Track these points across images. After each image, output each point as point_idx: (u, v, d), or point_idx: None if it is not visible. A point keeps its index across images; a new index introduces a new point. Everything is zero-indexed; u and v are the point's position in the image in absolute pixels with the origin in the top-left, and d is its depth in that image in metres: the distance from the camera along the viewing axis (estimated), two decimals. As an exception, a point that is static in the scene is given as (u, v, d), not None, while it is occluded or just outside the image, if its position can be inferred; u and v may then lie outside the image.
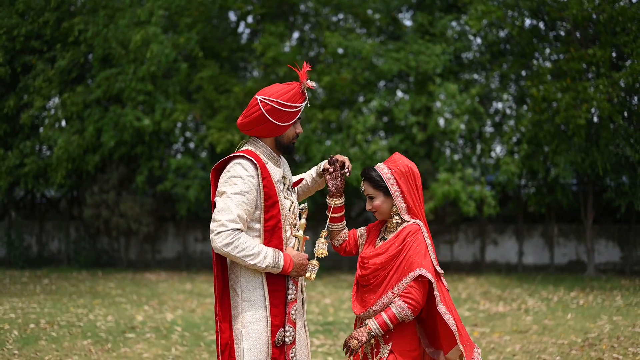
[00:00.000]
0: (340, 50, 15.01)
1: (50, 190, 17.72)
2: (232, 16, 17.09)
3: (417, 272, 3.60)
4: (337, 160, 3.79)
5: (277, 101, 3.53)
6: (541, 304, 10.65)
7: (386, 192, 3.73)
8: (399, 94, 15.84)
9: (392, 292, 3.64)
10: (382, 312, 3.60)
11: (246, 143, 3.69)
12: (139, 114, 14.74)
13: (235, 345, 3.50)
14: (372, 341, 3.67)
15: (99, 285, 13.14)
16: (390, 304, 3.62)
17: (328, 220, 3.87)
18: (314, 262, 3.67)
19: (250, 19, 16.74)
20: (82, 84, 15.55)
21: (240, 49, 16.63)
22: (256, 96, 3.58)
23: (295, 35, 16.92)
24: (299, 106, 3.60)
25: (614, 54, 13.89)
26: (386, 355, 3.63)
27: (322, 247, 3.75)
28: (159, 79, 15.25)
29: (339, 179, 3.79)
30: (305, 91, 3.65)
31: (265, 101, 3.53)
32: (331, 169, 3.77)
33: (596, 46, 13.37)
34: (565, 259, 16.01)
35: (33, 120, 15.87)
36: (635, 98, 13.84)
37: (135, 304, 10.97)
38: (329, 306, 10.93)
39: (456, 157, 15.26)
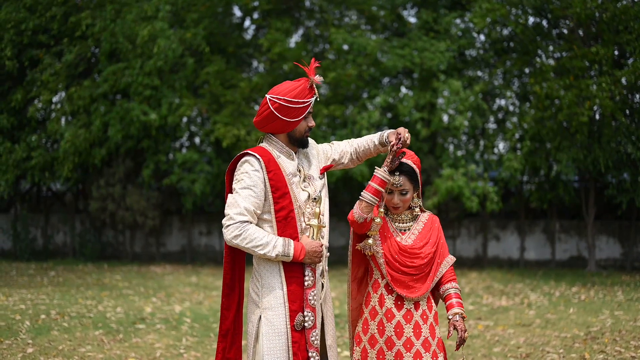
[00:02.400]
0: (345, 47, 15.13)
1: (56, 184, 17.85)
2: (238, 12, 17.20)
3: (453, 258, 4.00)
4: (404, 141, 3.81)
5: (284, 99, 3.67)
6: (543, 299, 10.79)
7: (416, 186, 3.92)
8: (403, 90, 15.96)
9: (436, 277, 3.92)
10: (454, 298, 3.92)
11: (263, 139, 3.87)
12: (146, 109, 14.86)
13: (251, 328, 3.70)
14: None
15: (106, 278, 13.28)
16: (449, 287, 3.95)
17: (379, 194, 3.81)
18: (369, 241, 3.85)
19: (256, 15, 16.83)
20: (89, 78, 15.67)
21: (246, 44, 16.75)
22: (266, 95, 3.74)
23: (300, 31, 17.04)
24: (308, 101, 3.73)
25: (616, 52, 14.00)
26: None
27: (375, 231, 3.88)
28: (166, 74, 15.37)
29: (399, 158, 3.82)
30: (314, 86, 3.78)
31: (274, 99, 3.68)
32: (398, 145, 3.78)
33: (599, 44, 13.50)
34: (567, 254, 16.16)
35: (40, 114, 16.03)
36: (637, 96, 13.98)
37: (143, 296, 11.11)
38: (335, 299, 11.07)
39: (459, 153, 15.39)
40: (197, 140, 16.89)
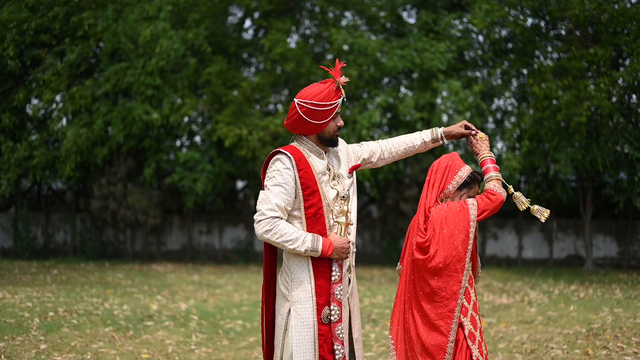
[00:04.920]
0: (345, 47, 15.25)
1: (57, 182, 17.92)
2: (237, 12, 17.30)
3: None
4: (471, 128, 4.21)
5: (312, 102, 3.79)
6: (543, 297, 10.94)
7: None
8: (403, 90, 16.08)
9: None
10: None
11: (294, 139, 3.99)
12: (148, 108, 14.95)
13: (280, 321, 3.84)
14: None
15: (108, 276, 13.38)
16: None
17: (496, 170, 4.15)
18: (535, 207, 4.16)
19: (257, 15, 16.93)
20: (91, 77, 15.74)
21: (247, 44, 16.86)
22: (295, 99, 3.86)
23: (301, 32, 17.15)
24: (335, 103, 3.84)
25: (614, 53, 14.16)
26: None
27: (523, 198, 4.17)
28: (168, 74, 15.46)
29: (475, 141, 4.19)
30: (341, 87, 3.89)
31: (302, 104, 3.81)
32: (473, 132, 4.19)
33: (597, 45, 13.65)
34: (564, 253, 16.33)
35: (41, 113, 16.11)
36: (635, 96, 14.15)
37: (147, 294, 11.21)
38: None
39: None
40: (198, 139, 16.99)
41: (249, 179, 17.03)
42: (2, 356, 6.50)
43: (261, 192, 3.81)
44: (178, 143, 17.08)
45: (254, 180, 17.05)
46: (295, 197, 3.79)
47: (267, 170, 3.86)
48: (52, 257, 16.86)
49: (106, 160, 16.15)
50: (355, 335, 3.97)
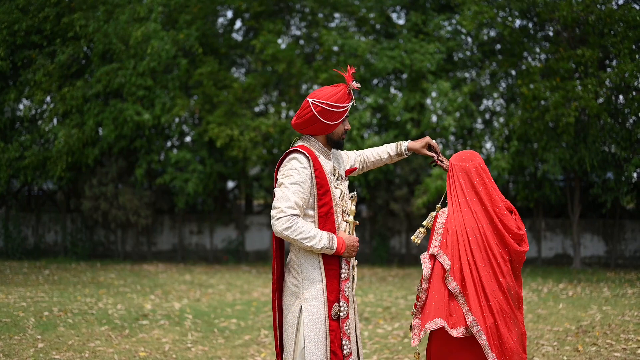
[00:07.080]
0: (335, 48, 15.35)
1: (48, 183, 17.92)
2: (228, 13, 17.38)
3: None
4: (436, 149, 4.32)
5: (327, 103, 3.90)
6: (532, 295, 11.08)
7: None
8: (393, 90, 16.19)
9: None
10: None
11: (299, 139, 4.08)
12: (139, 109, 14.99)
13: (292, 319, 3.92)
14: None
15: (100, 276, 13.42)
16: None
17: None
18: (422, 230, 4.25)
19: (247, 17, 16.99)
20: (82, 78, 15.76)
21: (237, 45, 16.94)
22: (307, 99, 3.95)
23: (291, 33, 17.24)
24: (347, 106, 3.97)
25: (601, 54, 14.31)
26: None
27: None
28: (159, 74, 15.50)
29: (444, 163, 4.29)
30: (352, 91, 4.02)
31: (316, 103, 3.90)
32: (436, 157, 4.31)
33: (584, 47, 13.81)
34: (552, 252, 16.49)
35: (32, 114, 16.12)
36: (622, 97, 14.31)
37: (140, 293, 11.27)
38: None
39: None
40: (188, 139, 17.04)
41: (240, 179, 17.11)
42: (1, 355, 6.56)
43: (277, 189, 3.87)
44: (169, 143, 17.12)
45: (245, 181, 17.12)
46: (310, 196, 3.88)
47: (282, 169, 3.92)
48: (42, 257, 16.87)
49: (97, 161, 16.18)
50: (358, 333, 4.08)
